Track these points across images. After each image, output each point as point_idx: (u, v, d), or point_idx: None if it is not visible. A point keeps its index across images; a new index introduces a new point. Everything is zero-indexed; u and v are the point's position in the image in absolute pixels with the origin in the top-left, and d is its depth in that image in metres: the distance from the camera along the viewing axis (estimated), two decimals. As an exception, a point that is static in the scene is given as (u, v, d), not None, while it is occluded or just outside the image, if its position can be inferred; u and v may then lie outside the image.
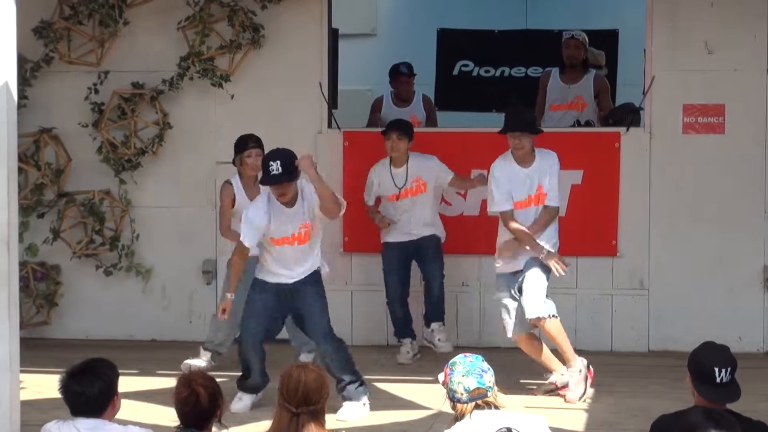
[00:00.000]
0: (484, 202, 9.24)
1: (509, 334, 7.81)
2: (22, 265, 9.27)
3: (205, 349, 8.51)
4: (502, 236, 7.82)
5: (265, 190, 7.43)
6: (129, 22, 9.59)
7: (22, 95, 9.19)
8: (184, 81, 9.57)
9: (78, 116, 9.69)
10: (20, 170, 8.51)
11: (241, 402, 7.54)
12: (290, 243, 7.30)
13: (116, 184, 9.70)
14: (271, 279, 7.40)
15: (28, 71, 9.51)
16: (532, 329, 7.76)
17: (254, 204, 7.48)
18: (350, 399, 7.39)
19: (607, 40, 11.30)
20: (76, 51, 9.69)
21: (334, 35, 9.79)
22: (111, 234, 9.65)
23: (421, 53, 10.66)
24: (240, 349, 7.60)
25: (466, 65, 11.90)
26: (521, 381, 8.03)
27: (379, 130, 8.93)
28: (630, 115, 9.46)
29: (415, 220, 8.72)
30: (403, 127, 8.67)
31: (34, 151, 9.70)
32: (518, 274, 7.73)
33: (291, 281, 7.38)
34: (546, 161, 7.79)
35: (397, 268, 8.79)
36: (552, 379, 7.79)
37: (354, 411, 7.32)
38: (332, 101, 9.66)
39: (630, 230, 9.25)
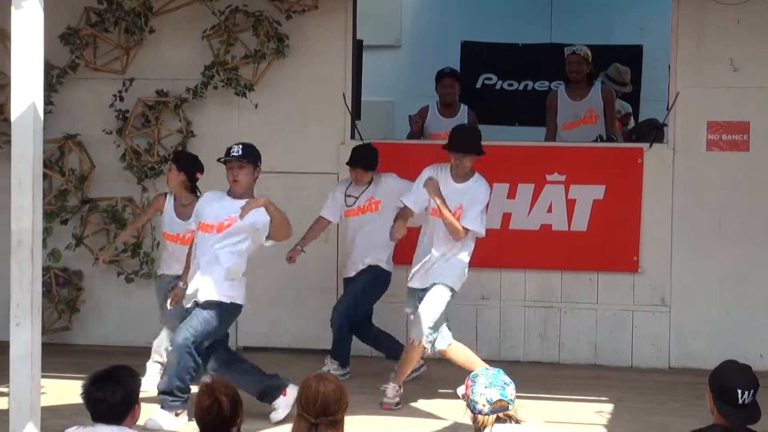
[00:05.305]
0: (505, 216, 9.27)
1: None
2: (45, 270, 9.32)
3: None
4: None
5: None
6: (154, 30, 9.63)
7: (47, 101, 9.25)
8: (208, 90, 9.60)
9: (102, 123, 9.74)
10: (45, 176, 8.59)
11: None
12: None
13: (139, 192, 9.74)
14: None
15: (54, 77, 9.57)
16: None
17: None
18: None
19: (631, 56, 11.28)
20: (102, 58, 9.75)
21: (358, 46, 9.81)
22: (133, 241, 9.68)
23: (445, 66, 10.65)
24: None
25: (489, 78, 11.90)
26: (541, 395, 8.01)
27: (402, 141, 8.93)
28: (654, 131, 9.45)
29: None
30: (362, 162, 8.58)
31: (59, 157, 9.76)
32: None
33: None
34: (475, 191, 7.75)
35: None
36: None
37: None
38: (355, 112, 9.68)
39: (652, 246, 9.23)
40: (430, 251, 7.79)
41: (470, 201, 7.72)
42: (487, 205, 7.88)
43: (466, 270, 7.84)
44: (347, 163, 8.59)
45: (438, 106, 9.99)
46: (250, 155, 7.36)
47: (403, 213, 7.99)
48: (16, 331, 5.80)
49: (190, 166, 8.15)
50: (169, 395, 7.24)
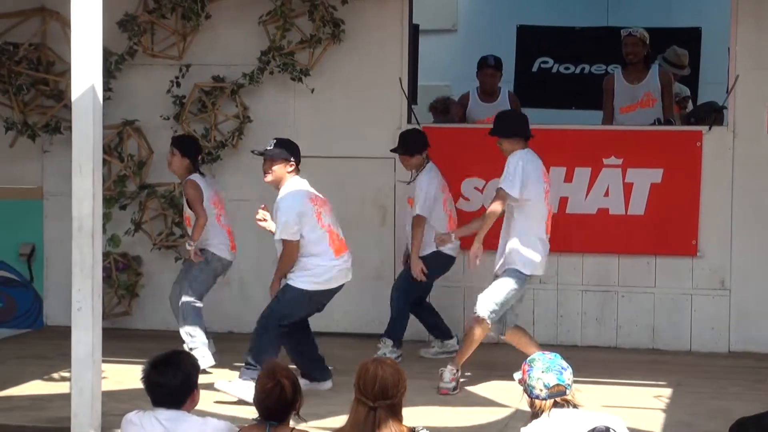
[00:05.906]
0: (562, 200, 9.23)
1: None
2: (105, 255, 9.42)
3: None
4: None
5: None
6: (210, 16, 9.68)
7: (106, 87, 9.32)
8: (264, 75, 9.63)
9: (160, 109, 9.80)
10: (104, 162, 8.65)
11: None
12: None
13: (196, 177, 9.79)
14: None
15: (112, 64, 9.64)
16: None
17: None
18: None
19: (689, 38, 11.17)
20: (159, 44, 9.81)
21: (414, 31, 9.80)
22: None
23: (501, 49, 10.62)
24: None
25: (546, 62, 11.85)
26: (599, 380, 7.98)
27: (459, 126, 8.95)
28: (713, 114, 9.35)
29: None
30: (401, 148, 8.67)
31: (118, 142, 9.84)
32: None
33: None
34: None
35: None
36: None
37: None
38: (412, 97, 9.66)
39: (711, 230, 9.14)
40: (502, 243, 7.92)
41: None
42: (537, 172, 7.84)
43: (531, 249, 7.79)
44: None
45: (478, 92, 10.00)
46: (279, 152, 7.60)
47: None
48: (78, 315, 5.88)
49: (190, 150, 8.50)
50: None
